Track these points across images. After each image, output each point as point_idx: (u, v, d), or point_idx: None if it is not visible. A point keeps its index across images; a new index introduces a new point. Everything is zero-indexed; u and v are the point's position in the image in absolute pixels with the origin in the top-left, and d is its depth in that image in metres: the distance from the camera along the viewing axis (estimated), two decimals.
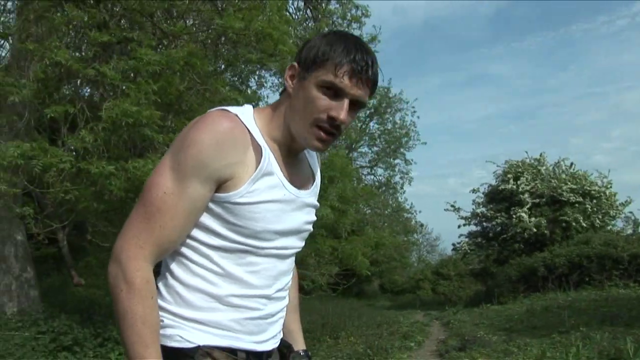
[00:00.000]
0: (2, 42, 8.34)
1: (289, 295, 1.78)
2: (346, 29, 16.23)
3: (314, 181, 1.69)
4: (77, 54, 7.63)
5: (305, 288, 13.37)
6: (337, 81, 1.41)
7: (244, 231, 1.43)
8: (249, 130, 1.44)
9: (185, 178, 1.36)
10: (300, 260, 11.27)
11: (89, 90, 8.27)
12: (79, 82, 7.52)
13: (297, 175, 1.57)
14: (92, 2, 7.13)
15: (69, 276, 11.13)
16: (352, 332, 11.69)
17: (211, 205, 1.42)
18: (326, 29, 14.55)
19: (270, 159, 1.46)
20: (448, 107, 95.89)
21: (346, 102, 1.43)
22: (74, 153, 6.57)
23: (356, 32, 17.26)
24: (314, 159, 1.75)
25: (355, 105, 1.47)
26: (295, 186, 1.53)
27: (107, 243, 8.61)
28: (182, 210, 1.38)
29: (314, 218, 1.67)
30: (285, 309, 1.66)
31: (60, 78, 7.01)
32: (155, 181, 1.39)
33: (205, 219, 1.43)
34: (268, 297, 1.53)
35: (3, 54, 8.44)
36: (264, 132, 1.49)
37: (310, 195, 1.63)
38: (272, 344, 1.60)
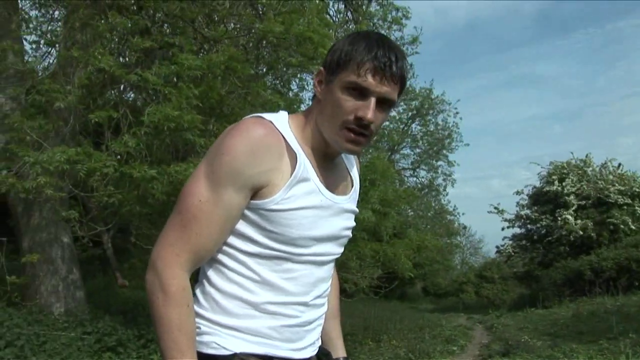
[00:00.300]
0: (50, 49, 8.56)
1: (329, 301, 1.78)
2: (387, 31, 16.21)
3: (352, 187, 1.67)
4: (120, 59, 7.78)
5: (348, 291, 13.34)
6: (361, 80, 1.39)
7: (280, 238, 1.42)
8: (283, 137, 1.43)
9: (220, 186, 1.36)
10: (342, 263, 11.27)
11: (132, 95, 8.43)
12: (122, 87, 7.66)
13: (334, 180, 1.56)
14: (134, 9, 7.26)
15: (114, 278, 11.32)
16: (394, 336, 11.63)
17: (247, 212, 1.42)
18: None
19: (306, 165, 1.45)
20: (491, 108, 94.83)
21: (372, 100, 1.41)
22: (117, 157, 6.68)
23: (397, 34, 17.21)
24: (352, 164, 1.72)
25: (384, 103, 1.44)
26: (332, 192, 1.52)
27: (150, 245, 8.68)
28: (218, 218, 1.38)
29: (353, 224, 1.65)
30: (323, 316, 1.64)
31: (104, 84, 7.15)
32: (191, 189, 1.39)
33: (241, 226, 1.43)
34: (306, 304, 1.51)
35: (50, 62, 8.64)
36: (299, 138, 1.48)
37: (349, 200, 1.61)
38: (310, 352, 1.58)
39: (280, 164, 1.40)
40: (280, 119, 1.47)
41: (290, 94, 11.43)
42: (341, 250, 1.64)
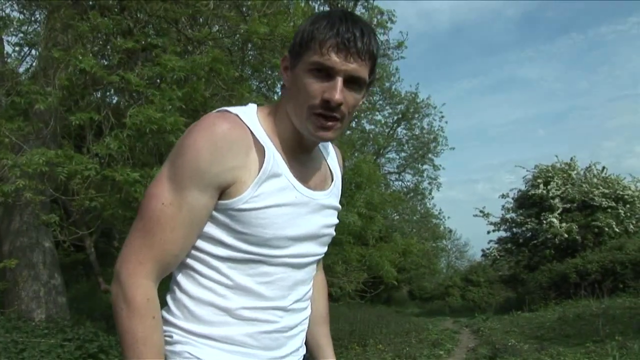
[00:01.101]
0: (30, 50, 8.43)
1: (317, 306, 1.71)
2: None
3: (332, 181, 1.56)
4: (103, 61, 7.67)
5: (334, 295, 13.29)
6: (324, 59, 1.28)
7: (252, 239, 1.33)
8: (250, 130, 1.33)
9: (184, 187, 1.27)
10: (328, 267, 11.20)
11: (115, 97, 8.31)
12: (104, 88, 7.54)
13: (310, 175, 1.46)
14: (116, 9, 7.15)
15: (97, 282, 11.18)
16: (380, 340, 11.56)
17: (215, 213, 1.32)
18: None
19: (276, 160, 1.34)
20: (477, 111, 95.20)
21: (339, 80, 1.29)
22: (99, 160, 6.56)
23: (382, 38, 17.23)
24: (332, 158, 1.62)
25: (354, 82, 1.32)
26: (309, 187, 1.42)
27: None
28: (183, 221, 1.28)
29: (335, 221, 1.54)
30: (306, 320, 1.55)
31: (85, 85, 7.01)
32: (153, 191, 1.30)
33: (211, 228, 1.33)
34: (284, 309, 1.42)
35: (32, 63, 8.52)
36: (269, 130, 1.38)
37: (329, 196, 1.50)
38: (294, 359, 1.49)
39: (247, 160, 1.30)
40: (248, 112, 1.37)
41: (276, 97, 11.35)
42: (323, 250, 1.54)
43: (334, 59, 1.28)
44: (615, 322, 10.82)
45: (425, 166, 28.95)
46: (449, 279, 36.05)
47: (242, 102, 7.50)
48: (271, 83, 11.95)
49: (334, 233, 1.56)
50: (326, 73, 1.30)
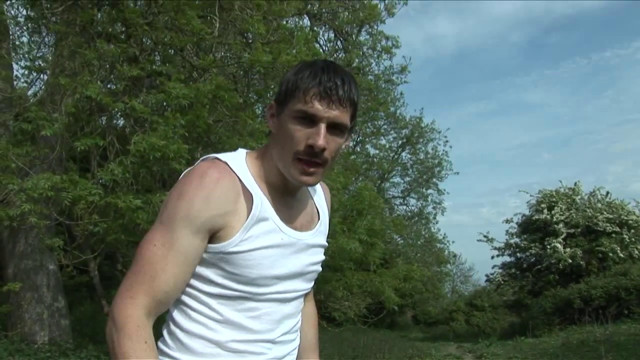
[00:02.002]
0: (39, 75, 8.59)
1: (307, 335, 1.77)
2: (376, 60, 16.36)
3: (319, 219, 1.64)
4: (110, 86, 7.82)
5: (337, 319, 13.28)
6: (308, 107, 1.36)
7: (240, 279, 1.40)
8: (239, 178, 1.41)
9: (176, 230, 1.35)
10: (329, 293, 11.24)
11: (120, 122, 8.44)
12: (110, 114, 7.67)
13: (296, 216, 1.53)
14: (123, 37, 7.30)
15: (100, 305, 11.22)
16: None
17: (205, 255, 1.40)
18: (357, 60, 14.68)
19: (264, 205, 1.42)
20: (482, 136, 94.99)
21: (322, 126, 1.37)
22: (103, 185, 6.67)
23: (386, 63, 17.39)
24: (319, 195, 1.69)
25: (336, 128, 1.40)
26: (295, 228, 1.50)
27: None
28: (174, 260, 1.35)
29: (321, 258, 1.62)
30: (295, 351, 1.61)
31: (91, 111, 7.15)
32: (147, 237, 1.38)
33: (202, 269, 1.41)
34: (272, 342, 1.49)
35: (40, 87, 8.67)
36: (257, 175, 1.46)
37: (315, 235, 1.58)
38: None
39: (236, 206, 1.39)
40: (237, 159, 1.46)
41: None
42: (309, 285, 1.62)
43: (317, 107, 1.36)
44: (619, 349, 10.76)
45: (429, 190, 29.01)
46: (453, 303, 35.71)
47: (245, 128, 7.63)
48: None
49: (320, 269, 1.64)
50: (310, 120, 1.38)
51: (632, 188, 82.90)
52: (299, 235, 1.50)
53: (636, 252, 22.61)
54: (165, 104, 6.94)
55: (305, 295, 1.67)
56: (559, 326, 18.08)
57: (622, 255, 22.14)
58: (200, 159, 1.47)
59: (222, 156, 1.45)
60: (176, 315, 1.45)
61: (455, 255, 40.04)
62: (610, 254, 22.22)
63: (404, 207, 29.88)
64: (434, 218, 30.13)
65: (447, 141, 27.60)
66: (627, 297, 17.19)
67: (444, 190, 28.81)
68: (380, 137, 24.62)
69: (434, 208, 29.55)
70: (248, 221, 1.39)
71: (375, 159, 25.36)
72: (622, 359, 9.39)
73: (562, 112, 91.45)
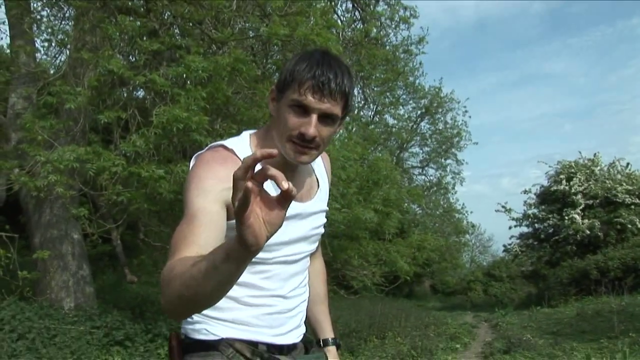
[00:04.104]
0: (61, 50, 8.76)
1: (316, 288, 1.98)
2: (394, 30, 16.32)
3: (318, 187, 1.80)
4: (131, 58, 7.97)
5: (355, 287, 13.47)
6: (302, 99, 1.51)
7: None
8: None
9: (194, 204, 1.47)
10: (345, 261, 11.42)
11: (141, 94, 8.59)
12: (131, 87, 7.83)
13: (299, 188, 1.69)
14: (143, 11, 7.42)
15: (123, 274, 11.51)
16: (398, 333, 11.72)
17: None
18: (374, 31, 14.65)
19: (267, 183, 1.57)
20: (502, 106, 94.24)
21: (314, 117, 1.52)
22: (125, 157, 6.85)
23: (404, 33, 17.32)
24: (319, 165, 1.85)
25: (327, 117, 1.55)
26: (297, 200, 1.64)
27: (159, 242, 8.93)
28: (200, 226, 1.44)
29: (323, 221, 1.79)
30: (304, 303, 1.81)
31: (113, 85, 7.32)
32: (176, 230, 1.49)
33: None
34: (283, 297, 1.68)
35: (61, 60, 8.83)
36: None
37: (316, 202, 1.75)
38: (294, 338, 1.74)
39: None
40: (242, 143, 1.62)
41: None
42: (314, 246, 1.80)
43: (310, 99, 1.51)
44: (633, 320, 10.86)
45: (448, 161, 28.91)
46: (471, 273, 35.89)
47: (263, 99, 7.74)
48: None
49: (322, 231, 1.82)
50: (303, 110, 1.53)
51: None
52: (301, 207, 1.67)
53: None
54: (185, 76, 7.07)
55: (312, 254, 1.86)
56: (575, 297, 18.20)
57: None
58: (207, 147, 1.63)
59: (228, 143, 1.61)
60: None
61: (473, 226, 40.04)
62: (629, 226, 22.21)
63: (423, 177, 29.87)
64: (453, 188, 30.07)
65: (466, 111, 27.43)
66: None
67: (463, 160, 28.70)
68: (399, 107, 24.49)
69: (452, 178, 29.47)
70: None
71: (394, 129, 25.32)
72: (635, 329, 9.50)
73: (585, 82, 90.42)
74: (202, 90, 6.57)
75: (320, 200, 1.79)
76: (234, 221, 1.48)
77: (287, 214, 1.59)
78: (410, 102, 26.28)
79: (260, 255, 1.57)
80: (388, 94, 21.48)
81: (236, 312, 1.62)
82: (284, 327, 1.70)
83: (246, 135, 1.68)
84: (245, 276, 1.59)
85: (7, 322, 6.24)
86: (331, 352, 2.00)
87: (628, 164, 24.63)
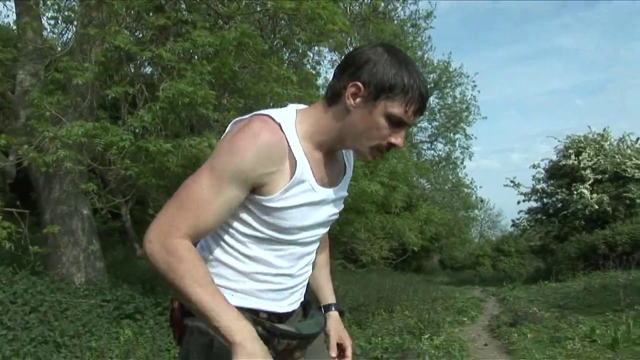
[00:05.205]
0: (68, 25, 8.76)
1: (319, 254, 2.03)
2: (402, 4, 16.21)
3: (344, 174, 1.83)
4: (137, 33, 7.97)
5: (363, 261, 13.54)
6: (406, 117, 1.57)
7: (274, 227, 1.61)
8: (288, 141, 1.55)
9: (224, 181, 1.49)
10: (352, 234, 11.48)
11: (148, 69, 8.61)
12: (137, 62, 7.84)
13: (329, 174, 1.71)
14: None
15: (132, 249, 11.61)
16: (406, 306, 11.78)
17: (246, 202, 1.58)
18: (382, 5, 14.54)
19: (305, 168, 1.59)
20: (513, 81, 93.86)
21: (405, 129, 1.61)
22: (133, 132, 6.89)
23: (412, 7, 17.21)
24: (348, 150, 1.85)
25: None
26: (324, 185, 1.67)
27: None
28: (218, 207, 1.50)
29: (341, 207, 1.81)
30: (306, 281, 1.85)
31: (120, 60, 7.34)
32: (195, 178, 1.52)
33: (241, 212, 1.60)
34: (291, 276, 1.73)
35: (68, 37, 8.84)
36: (305, 136, 1.60)
37: (340, 189, 1.77)
38: (293, 307, 1.80)
39: (283, 167, 1.55)
40: (288, 120, 1.58)
41: (309, 66, 11.47)
42: (327, 229, 1.84)
43: (412, 118, 1.59)
44: (639, 293, 10.89)
45: (457, 135, 28.86)
46: (480, 248, 35.91)
47: (270, 74, 7.74)
48: (302, 53, 12.08)
49: (338, 216, 1.84)
50: (399, 123, 1.59)
51: None
52: (327, 192, 1.69)
53: None
54: (191, 51, 7.08)
55: None
56: (583, 271, 18.23)
57: None
58: (253, 113, 1.61)
59: (276, 116, 1.57)
60: (213, 247, 1.68)
61: (482, 200, 40.12)
62: (638, 200, 22.14)
63: (432, 151, 29.85)
64: (462, 163, 30.06)
65: (475, 86, 27.48)
66: None
67: (472, 135, 28.66)
68: None
69: (461, 153, 29.47)
70: (290, 183, 1.57)
71: None
72: None
73: (597, 57, 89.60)
74: (208, 65, 6.58)
75: (344, 186, 1.82)
76: (256, 196, 1.57)
77: (314, 200, 1.67)
78: None
79: (280, 236, 1.65)
80: None
81: (244, 284, 1.66)
82: (286, 301, 1.76)
83: (292, 110, 1.65)
84: (260, 252, 1.65)
85: (20, 296, 6.33)
86: (332, 316, 2.05)
87: (638, 138, 24.47)
